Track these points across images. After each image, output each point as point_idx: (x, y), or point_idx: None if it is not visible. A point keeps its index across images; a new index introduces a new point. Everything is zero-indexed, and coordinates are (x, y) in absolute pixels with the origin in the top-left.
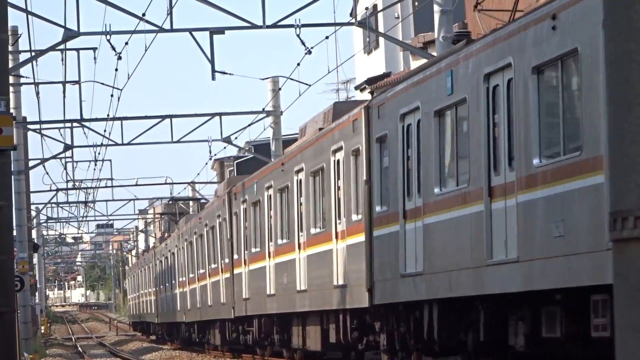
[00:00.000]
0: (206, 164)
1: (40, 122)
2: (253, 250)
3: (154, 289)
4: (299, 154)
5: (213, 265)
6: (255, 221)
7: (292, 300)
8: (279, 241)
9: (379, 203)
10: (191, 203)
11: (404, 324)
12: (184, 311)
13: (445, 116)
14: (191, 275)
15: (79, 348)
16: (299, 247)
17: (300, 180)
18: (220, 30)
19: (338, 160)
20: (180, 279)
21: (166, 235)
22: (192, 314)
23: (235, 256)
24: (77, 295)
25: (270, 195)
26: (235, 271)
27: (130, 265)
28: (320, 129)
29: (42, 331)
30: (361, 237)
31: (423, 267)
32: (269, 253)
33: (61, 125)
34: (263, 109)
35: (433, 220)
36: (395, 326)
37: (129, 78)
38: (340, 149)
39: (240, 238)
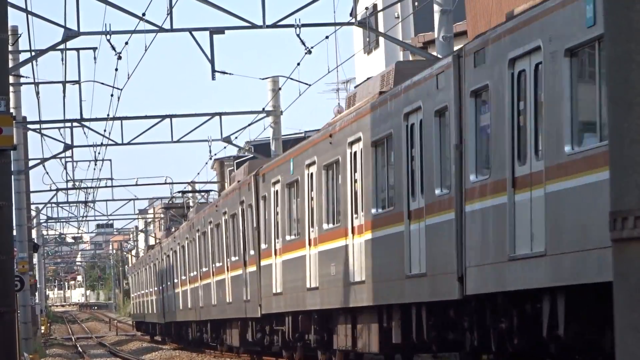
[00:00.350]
0: (206, 163)
1: (40, 122)
2: (287, 238)
3: (159, 287)
4: (354, 122)
5: (234, 258)
6: (290, 205)
7: (341, 293)
8: (325, 226)
9: (474, 171)
10: (191, 203)
11: (506, 319)
12: (194, 309)
13: (583, 54)
14: (205, 270)
15: (79, 348)
16: (353, 232)
17: (355, 153)
18: (220, 30)
19: (412, 125)
20: (191, 275)
21: (173, 228)
22: (206, 312)
23: (263, 246)
24: (77, 295)
25: (312, 174)
26: (263, 263)
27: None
28: (381, 93)
29: (42, 331)
30: (447, 215)
31: (545, 246)
32: (310, 240)
33: (61, 125)
34: (263, 109)
35: (560, 188)
36: (492, 322)
37: (129, 78)
38: (417, 110)
39: (270, 225)
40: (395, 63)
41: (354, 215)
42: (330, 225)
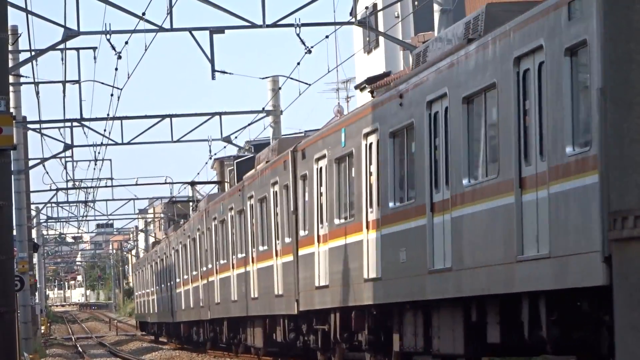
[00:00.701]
0: (206, 163)
1: (40, 122)
2: (336, 222)
3: (167, 284)
4: (437, 74)
5: (262, 248)
6: (340, 183)
7: (414, 284)
8: (392, 204)
9: None
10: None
11: None
12: (207, 307)
13: None
14: (223, 262)
15: (79, 348)
16: (433, 210)
17: (437, 114)
18: (220, 30)
19: (527, 70)
20: (204, 269)
21: (182, 221)
22: (223, 309)
23: (302, 232)
24: (77, 295)
25: (370, 144)
26: (302, 252)
27: (131, 263)
28: (469, 41)
29: (42, 331)
30: (587, 178)
31: None
32: (369, 223)
33: (61, 124)
34: (263, 109)
35: None
36: None
37: (128, 77)
38: (536, 50)
39: (312, 208)
40: (485, 6)
41: (434, 191)
42: (399, 204)
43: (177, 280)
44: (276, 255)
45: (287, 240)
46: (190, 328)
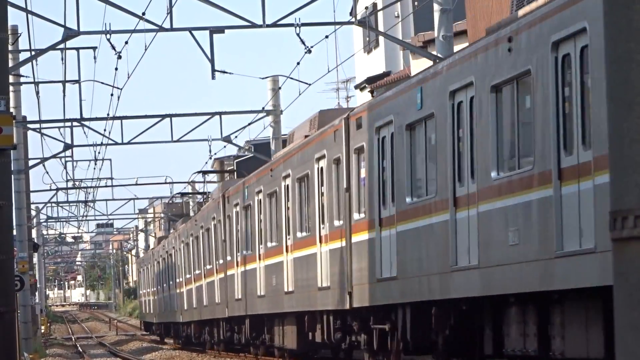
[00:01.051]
0: (206, 163)
1: (40, 122)
2: (408, 200)
3: (178, 280)
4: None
5: (300, 234)
6: (412, 153)
7: (537, 270)
8: (494, 174)
9: None
10: (191, 203)
11: None
12: (225, 304)
13: None
14: (247, 253)
15: (79, 348)
16: (561, 177)
17: (570, 56)
18: (220, 30)
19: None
20: (219, 262)
21: (193, 212)
22: (246, 305)
23: (357, 216)
24: (77, 294)
25: (459, 104)
26: (356, 238)
27: (131, 263)
28: None
29: (42, 331)
30: None
31: None
32: (457, 200)
33: (61, 124)
34: (263, 108)
35: None
36: None
37: (128, 77)
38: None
39: (373, 186)
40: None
41: (563, 154)
42: (509, 173)
43: (188, 276)
44: (320, 241)
45: (337, 223)
46: (202, 328)
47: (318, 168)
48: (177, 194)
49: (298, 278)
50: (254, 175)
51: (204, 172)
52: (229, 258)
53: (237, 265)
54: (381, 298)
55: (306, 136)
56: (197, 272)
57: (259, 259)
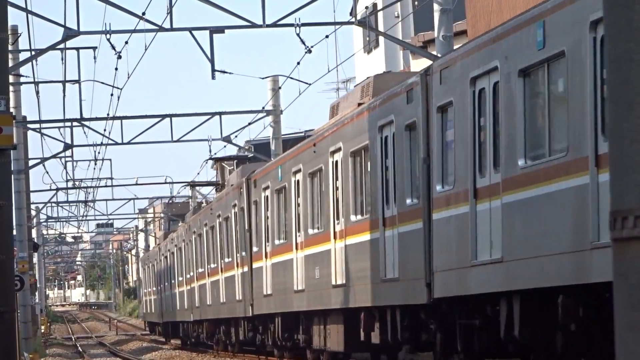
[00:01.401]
0: (206, 162)
1: (40, 122)
2: (521, 163)
3: (188, 276)
4: None
5: (355, 217)
6: (529, 105)
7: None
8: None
9: None
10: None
11: None
12: (248, 302)
13: None
14: (280, 242)
15: (79, 348)
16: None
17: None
18: (220, 30)
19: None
20: (242, 254)
21: (203, 203)
22: (276, 302)
23: (439, 188)
24: (77, 294)
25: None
26: (438, 215)
27: (131, 263)
28: None
29: (42, 331)
30: None
31: None
32: (599, 158)
33: (61, 124)
34: (263, 108)
35: None
36: None
37: (128, 77)
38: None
39: (466, 150)
40: None
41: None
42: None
43: (200, 270)
44: (384, 225)
45: (409, 202)
46: (216, 327)
47: (382, 137)
48: (187, 183)
49: (351, 269)
50: (289, 153)
51: (217, 160)
52: (255, 249)
53: (266, 257)
54: (474, 287)
55: (359, 104)
56: (212, 265)
57: (296, 248)
